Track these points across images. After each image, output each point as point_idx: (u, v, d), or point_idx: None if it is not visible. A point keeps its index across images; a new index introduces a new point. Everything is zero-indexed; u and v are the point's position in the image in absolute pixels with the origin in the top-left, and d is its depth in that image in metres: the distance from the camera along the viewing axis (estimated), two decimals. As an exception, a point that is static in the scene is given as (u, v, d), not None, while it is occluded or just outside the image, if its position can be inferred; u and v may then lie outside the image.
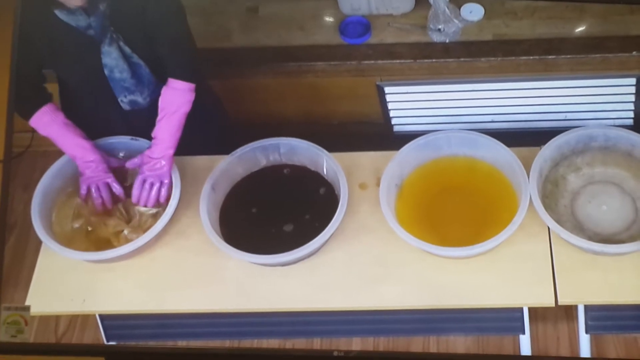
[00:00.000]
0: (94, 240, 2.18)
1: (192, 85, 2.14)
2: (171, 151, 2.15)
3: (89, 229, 2.20)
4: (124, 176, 2.26)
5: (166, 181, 2.17)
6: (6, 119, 2.13)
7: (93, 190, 2.18)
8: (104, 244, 2.17)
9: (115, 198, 2.21)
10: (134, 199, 2.18)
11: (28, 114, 2.16)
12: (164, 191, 2.18)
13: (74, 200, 2.22)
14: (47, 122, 2.16)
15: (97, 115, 2.29)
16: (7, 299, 2.18)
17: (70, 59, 2.17)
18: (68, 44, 2.12)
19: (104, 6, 2.07)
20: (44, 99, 2.19)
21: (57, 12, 2.06)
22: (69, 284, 2.15)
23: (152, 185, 2.17)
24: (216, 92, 2.54)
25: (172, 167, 2.18)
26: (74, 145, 2.17)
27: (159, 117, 2.14)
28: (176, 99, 2.13)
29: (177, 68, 2.14)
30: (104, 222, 2.19)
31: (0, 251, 2.17)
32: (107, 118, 2.29)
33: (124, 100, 2.24)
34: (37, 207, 2.16)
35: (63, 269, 2.16)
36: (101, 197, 2.19)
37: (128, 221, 2.18)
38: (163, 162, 2.15)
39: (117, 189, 2.19)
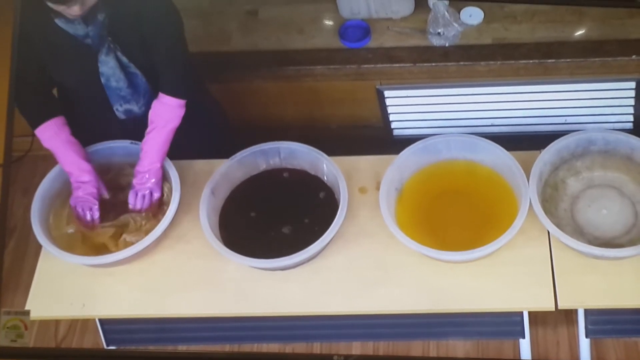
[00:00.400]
0: (90, 245, 2.18)
1: (182, 102, 2.15)
2: (157, 165, 2.17)
3: (84, 234, 2.20)
4: (117, 182, 2.27)
5: (156, 194, 2.19)
6: (6, 123, 2.13)
7: (79, 211, 2.19)
8: (101, 248, 2.17)
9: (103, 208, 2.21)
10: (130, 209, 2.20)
11: (34, 124, 2.18)
12: (154, 199, 2.19)
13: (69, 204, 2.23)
14: (50, 136, 2.17)
15: (94, 121, 2.29)
16: (7, 303, 2.18)
17: (68, 65, 2.17)
18: (66, 50, 2.12)
19: (102, 16, 2.07)
20: (52, 111, 2.19)
21: (55, 20, 2.06)
22: (69, 288, 2.15)
23: (144, 197, 2.18)
24: (215, 95, 2.53)
25: (162, 178, 2.20)
26: (71, 163, 2.18)
27: (148, 130, 2.16)
28: (166, 114, 2.15)
29: (169, 84, 2.15)
30: (95, 229, 2.20)
31: (0, 255, 2.17)
32: (104, 124, 2.30)
33: (119, 109, 2.24)
34: (36, 211, 2.16)
35: (63, 273, 2.16)
36: (85, 217, 2.19)
37: (120, 226, 2.19)
38: (149, 176, 2.17)
39: (95, 218, 2.19)
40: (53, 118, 2.18)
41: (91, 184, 2.18)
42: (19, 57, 2.11)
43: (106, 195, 2.22)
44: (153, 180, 2.17)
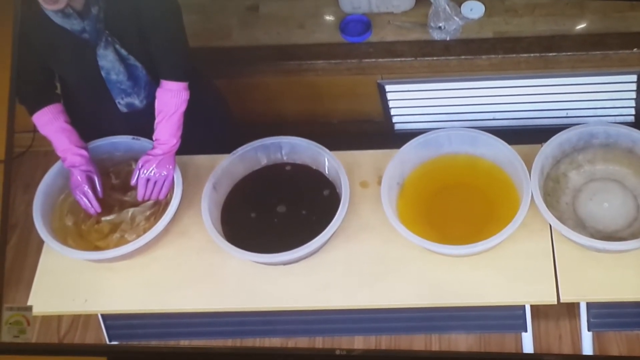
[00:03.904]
0: (89, 241, 2.18)
1: (185, 84, 2.15)
2: (175, 148, 2.16)
3: (83, 227, 2.20)
4: (118, 178, 2.27)
5: (170, 178, 2.17)
6: (7, 119, 2.13)
7: (78, 197, 2.18)
8: (97, 246, 2.17)
9: (104, 199, 2.21)
10: (139, 196, 2.18)
11: (31, 110, 2.18)
12: (165, 189, 2.18)
13: (71, 199, 2.22)
14: (45, 122, 2.17)
15: (97, 116, 2.29)
16: (9, 299, 2.18)
17: (68, 60, 2.17)
18: (65, 46, 2.12)
19: (96, 10, 2.06)
20: (48, 98, 2.19)
21: (51, 16, 2.05)
22: (71, 283, 2.15)
23: (155, 183, 2.17)
24: (216, 90, 2.53)
25: (175, 165, 2.19)
26: (63, 150, 2.17)
27: (157, 120, 2.15)
28: (172, 100, 2.14)
29: (170, 69, 2.15)
30: (94, 227, 2.19)
31: (2, 251, 2.18)
32: (107, 118, 2.29)
33: (121, 103, 2.24)
34: (38, 207, 2.16)
35: (65, 268, 2.17)
36: (87, 199, 2.18)
37: (117, 223, 2.18)
38: (168, 158, 2.16)
39: (94, 204, 2.17)
40: (50, 104, 2.17)
41: (84, 166, 2.17)
42: (20, 53, 2.12)
43: (98, 182, 2.20)
44: (170, 164, 2.16)
